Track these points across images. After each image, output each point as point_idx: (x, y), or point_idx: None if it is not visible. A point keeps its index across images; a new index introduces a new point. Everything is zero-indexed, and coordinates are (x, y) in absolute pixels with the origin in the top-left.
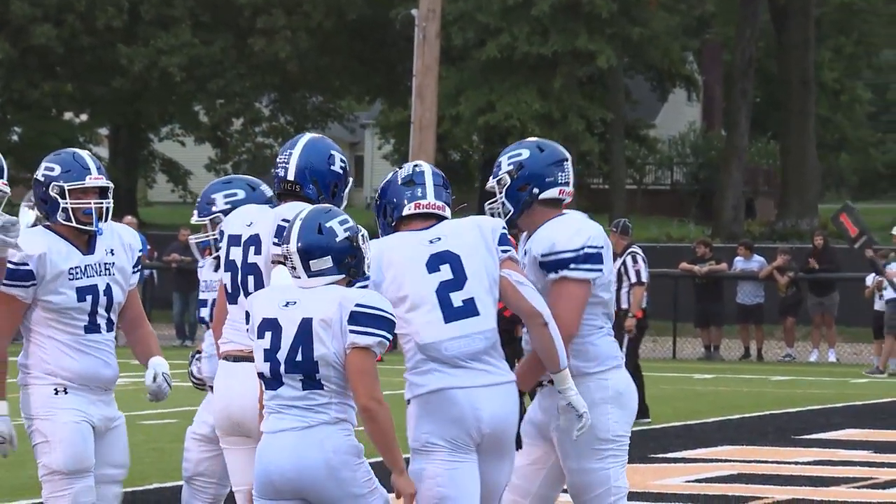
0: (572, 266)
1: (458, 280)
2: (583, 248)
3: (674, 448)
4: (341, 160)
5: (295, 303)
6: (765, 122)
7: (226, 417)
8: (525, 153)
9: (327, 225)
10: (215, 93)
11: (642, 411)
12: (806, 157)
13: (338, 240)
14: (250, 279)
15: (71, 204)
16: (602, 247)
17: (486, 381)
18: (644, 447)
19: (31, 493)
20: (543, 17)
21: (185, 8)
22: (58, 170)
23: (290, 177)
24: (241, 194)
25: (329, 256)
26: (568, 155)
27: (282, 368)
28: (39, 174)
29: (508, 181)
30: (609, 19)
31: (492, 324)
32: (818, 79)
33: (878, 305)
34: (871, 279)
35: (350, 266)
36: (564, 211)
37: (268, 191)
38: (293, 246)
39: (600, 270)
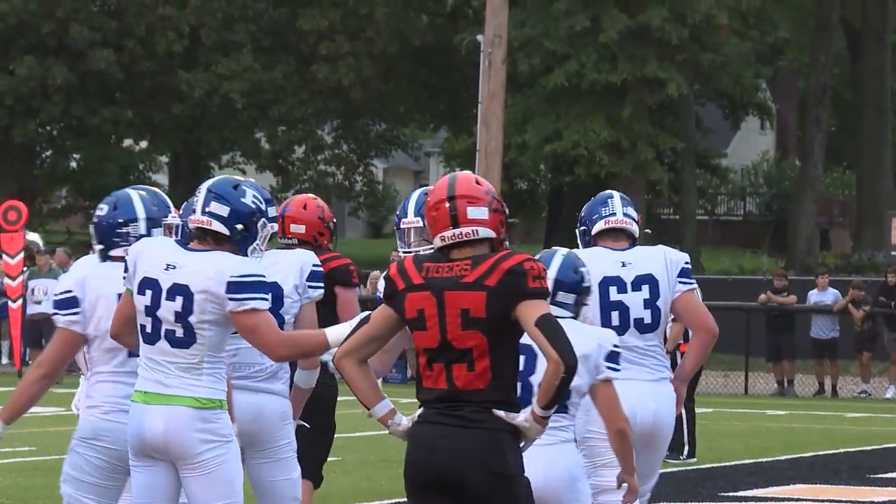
0: None
1: None
2: None
3: (745, 486)
4: None
5: None
6: (840, 150)
7: None
8: None
9: (581, 269)
10: (277, 119)
11: (689, 449)
12: (882, 187)
13: (578, 284)
14: None
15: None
16: None
17: None
18: (714, 486)
19: None
20: (611, 44)
21: (246, 33)
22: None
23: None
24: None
25: (574, 295)
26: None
27: (535, 390)
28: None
29: None
30: (679, 46)
31: None
32: (895, 106)
33: None
34: None
35: (576, 305)
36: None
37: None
38: (552, 274)
39: None
